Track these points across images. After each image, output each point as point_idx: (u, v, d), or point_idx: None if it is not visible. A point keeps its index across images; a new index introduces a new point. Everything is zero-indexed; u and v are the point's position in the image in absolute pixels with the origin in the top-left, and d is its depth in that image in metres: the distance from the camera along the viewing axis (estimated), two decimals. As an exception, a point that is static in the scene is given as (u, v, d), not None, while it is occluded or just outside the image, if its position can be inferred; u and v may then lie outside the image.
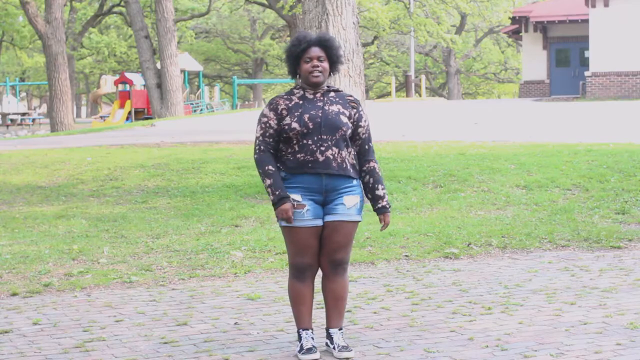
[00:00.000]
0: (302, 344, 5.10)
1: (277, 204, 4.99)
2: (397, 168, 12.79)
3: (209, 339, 5.53)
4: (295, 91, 5.15)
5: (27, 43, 44.23)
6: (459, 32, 51.09)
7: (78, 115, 68.98)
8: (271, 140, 5.08)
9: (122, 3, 38.19)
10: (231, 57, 61.08)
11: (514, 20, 38.40)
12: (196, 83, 51.84)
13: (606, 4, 31.89)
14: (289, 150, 5.06)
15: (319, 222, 5.05)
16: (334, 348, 5.11)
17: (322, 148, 5.01)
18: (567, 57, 37.63)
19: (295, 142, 5.03)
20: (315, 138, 5.01)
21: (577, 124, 20.14)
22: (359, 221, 5.14)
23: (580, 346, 5.23)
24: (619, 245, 8.48)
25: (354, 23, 10.66)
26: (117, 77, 43.65)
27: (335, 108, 5.09)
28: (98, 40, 46.29)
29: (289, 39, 43.95)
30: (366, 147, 5.17)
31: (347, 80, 10.36)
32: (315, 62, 5.06)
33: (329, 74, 5.17)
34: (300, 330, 5.15)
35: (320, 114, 5.04)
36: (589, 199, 10.82)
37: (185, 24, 45.78)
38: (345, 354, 5.05)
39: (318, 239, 5.08)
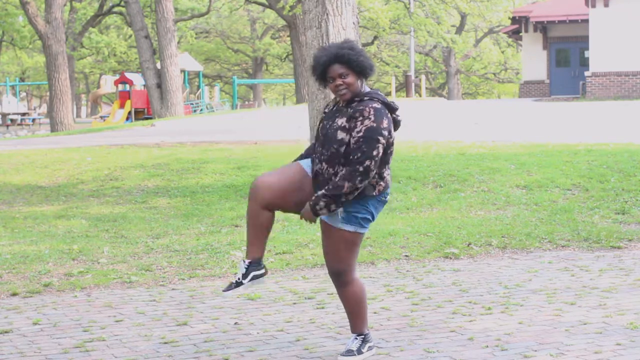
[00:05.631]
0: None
1: None
2: (397, 168, 12.79)
3: (209, 339, 5.53)
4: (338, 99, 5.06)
5: (27, 43, 44.19)
6: (459, 32, 51.14)
7: (78, 115, 68.98)
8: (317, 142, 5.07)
9: (122, 3, 38.19)
10: (231, 57, 61.13)
11: (514, 20, 38.45)
12: (196, 83, 51.87)
13: (606, 4, 31.89)
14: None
15: (309, 172, 4.94)
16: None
17: (317, 161, 4.96)
18: (567, 57, 37.65)
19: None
20: (318, 150, 4.97)
21: (577, 124, 20.13)
22: (341, 229, 4.87)
23: (580, 346, 5.23)
24: (619, 245, 8.48)
25: (354, 23, 10.66)
26: (117, 77, 43.66)
27: (339, 122, 4.89)
28: (98, 40, 46.23)
29: (289, 39, 43.94)
30: (350, 157, 4.81)
31: (347, 80, 10.35)
32: (338, 82, 4.89)
33: (363, 79, 4.98)
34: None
35: (327, 126, 4.94)
36: (589, 199, 10.82)
37: (185, 24, 45.75)
38: (341, 359, 5.03)
39: (296, 182, 4.90)
